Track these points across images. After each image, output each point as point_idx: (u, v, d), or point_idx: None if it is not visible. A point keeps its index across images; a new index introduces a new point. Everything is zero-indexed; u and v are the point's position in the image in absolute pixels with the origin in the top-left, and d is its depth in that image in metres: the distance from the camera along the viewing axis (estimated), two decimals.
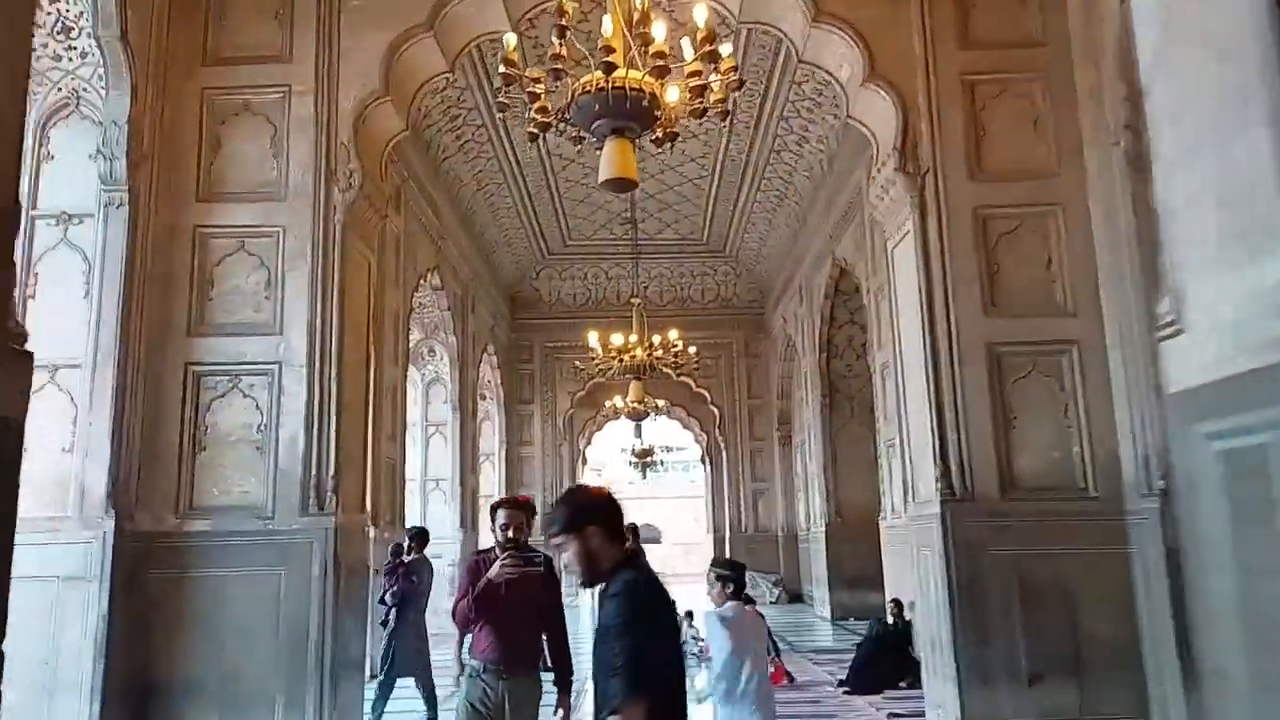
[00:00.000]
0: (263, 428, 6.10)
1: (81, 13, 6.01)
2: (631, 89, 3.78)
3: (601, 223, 16.75)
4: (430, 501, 13.34)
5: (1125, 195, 5.80)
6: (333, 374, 6.19)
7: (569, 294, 18.56)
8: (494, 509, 4.03)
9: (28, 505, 5.71)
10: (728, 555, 18.51)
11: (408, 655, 7.07)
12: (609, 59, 3.66)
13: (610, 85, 3.77)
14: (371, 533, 8.57)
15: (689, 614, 8.63)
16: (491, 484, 16.63)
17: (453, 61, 7.09)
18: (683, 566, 33.92)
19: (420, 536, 7.55)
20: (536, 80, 3.95)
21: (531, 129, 4.19)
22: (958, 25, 6.58)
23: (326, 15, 6.68)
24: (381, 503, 9.67)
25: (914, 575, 9.48)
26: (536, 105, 4.04)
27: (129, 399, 5.90)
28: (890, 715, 7.78)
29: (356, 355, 6.68)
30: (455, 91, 11.34)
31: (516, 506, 3.99)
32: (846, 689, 9.09)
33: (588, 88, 3.86)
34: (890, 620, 10.14)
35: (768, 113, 12.29)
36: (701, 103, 3.97)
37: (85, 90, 6.20)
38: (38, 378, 5.82)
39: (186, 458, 6.06)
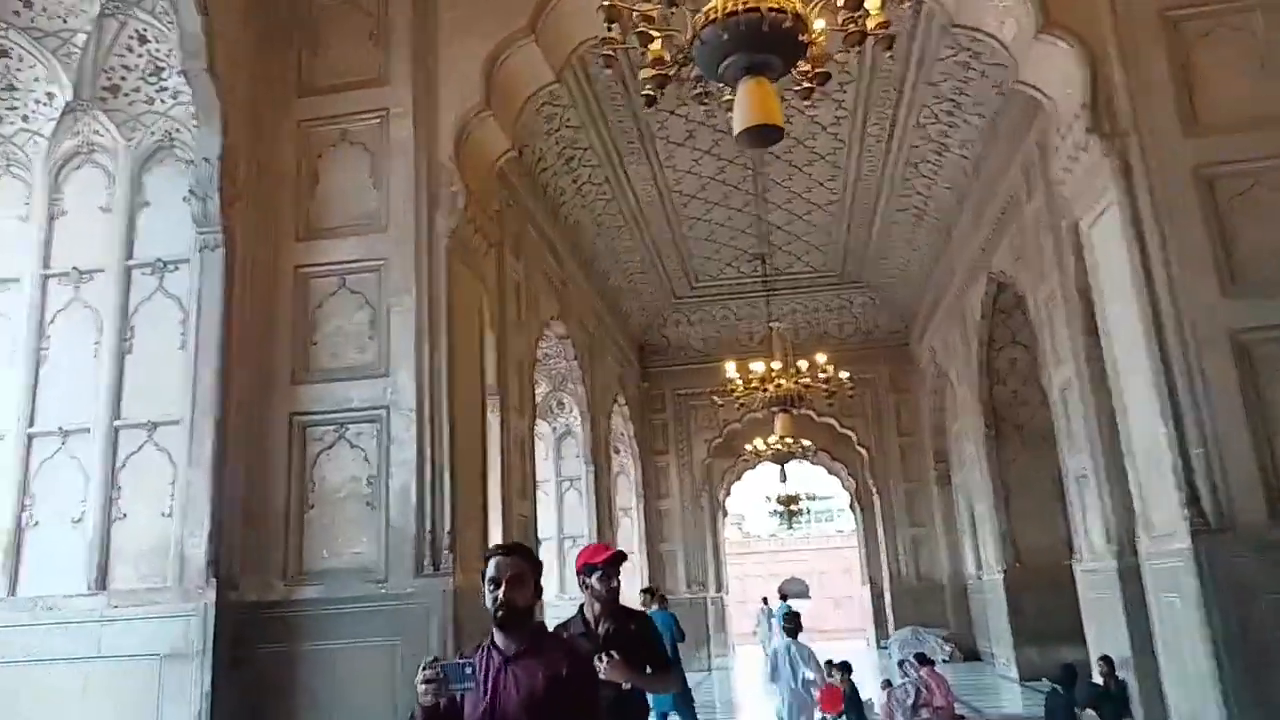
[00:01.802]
0: (372, 480, 5.48)
1: (171, 50, 5.70)
2: (770, 8, 2.96)
3: (728, 260, 15.94)
4: (567, 561, 12.59)
5: None
6: (444, 416, 5.54)
7: (699, 338, 17.74)
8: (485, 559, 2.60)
9: (125, 577, 5.27)
10: (889, 609, 17.07)
11: None
12: None
13: (742, 7, 2.96)
14: None
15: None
16: (630, 539, 15.81)
17: (559, 71, 6.49)
18: (833, 622, 32.02)
19: None
20: (648, 18, 3.17)
21: (646, 89, 3.41)
22: None
23: (422, 30, 6.21)
24: None
25: (1127, 626, 8.06)
26: (651, 54, 3.26)
27: (230, 456, 5.39)
28: None
29: (470, 395, 6.02)
30: (570, 131, 10.86)
31: (512, 553, 2.56)
32: None
33: (712, 16, 3.06)
34: (1100, 681, 8.62)
35: (901, 120, 11.23)
36: (857, 26, 3.09)
37: (178, 131, 5.89)
38: (135, 438, 5.43)
39: (294, 517, 5.49)
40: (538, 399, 11.84)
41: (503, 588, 2.42)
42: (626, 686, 3.39)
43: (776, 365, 10.37)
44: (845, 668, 8.73)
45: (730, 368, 10.35)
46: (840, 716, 8.37)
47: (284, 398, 5.67)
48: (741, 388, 10.18)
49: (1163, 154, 5.29)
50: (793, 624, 7.96)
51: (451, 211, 5.85)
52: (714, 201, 13.65)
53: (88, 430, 5.48)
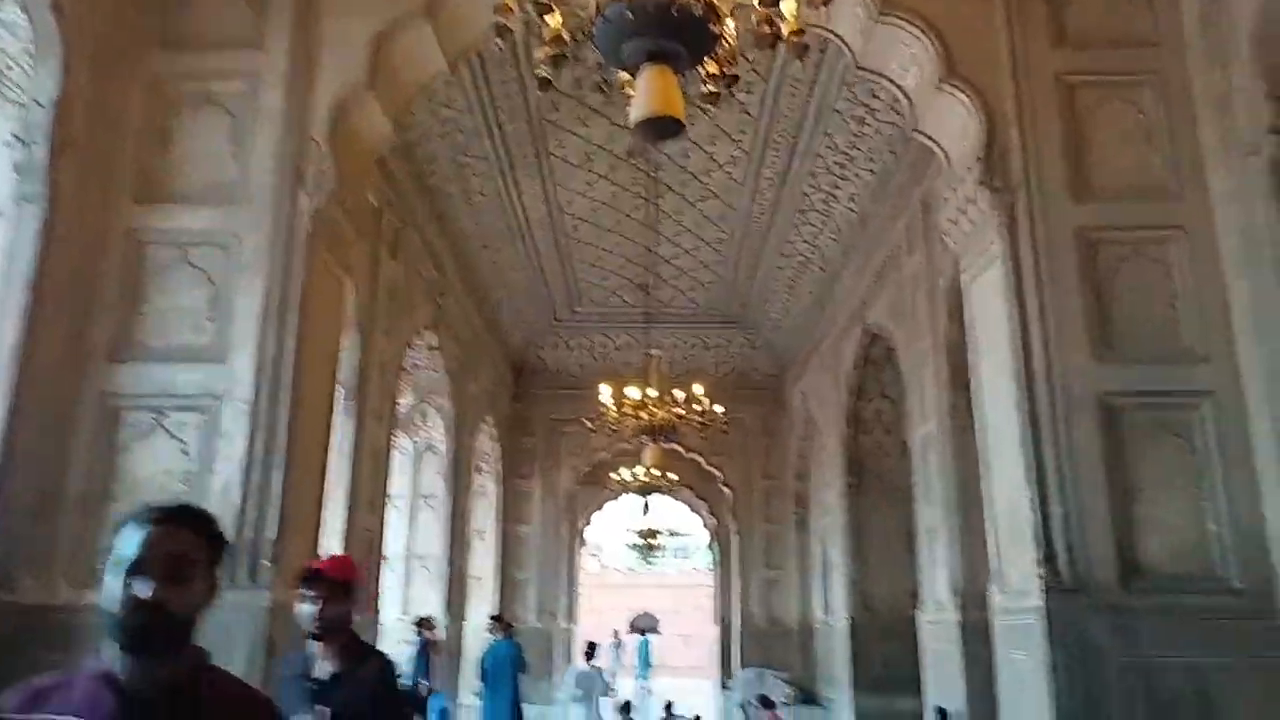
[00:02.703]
0: (189, 476, 4.89)
1: None
2: None
3: (613, 288, 15.74)
4: (413, 582, 11.93)
5: (1271, 216, 4.68)
6: (284, 412, 5.01)
7: (576, 363, 17.40)
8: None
9: None
10: (739, 649, 17.02)
11: None
12: None
13: None
14: None
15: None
16: (484, 563, 15.23)
17: (454, 61, 6.10)
18: (681, 658, 31.93)
19: None
20: None
21: (541, 70, 3.11)
22: (1051, 20, 5.59)
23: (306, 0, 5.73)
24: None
25: (964, 680, 8.13)
26: (549, 30, 2.96)
27: (22, 436, 4.69)
28: None
29: (318, 394, 5.51)
30: (464, 137, 10.42)
31: (171, 520, 1.39)
32: None
33: None
34: None
35: (795, 167, 11.31)
36: (771, 29, 2.89)
37: (10, 68, 5.18)
38: None
39: (92, 512, 4.83)
40: (402, 410, 11.24)
41: (150, 580, 1.30)
42: None
43: (652, 392, 10.15)
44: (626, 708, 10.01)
45: (604, 391, 10.06)
46: None
47: (98, 375, 5.02)
48: (614, 412, 9.90)
49: (1049, 214, 5.33)
50: (589, 650, 9.63)
51: (317, 191, 5.37)
52: (605, 227, 13.42)
53: None
